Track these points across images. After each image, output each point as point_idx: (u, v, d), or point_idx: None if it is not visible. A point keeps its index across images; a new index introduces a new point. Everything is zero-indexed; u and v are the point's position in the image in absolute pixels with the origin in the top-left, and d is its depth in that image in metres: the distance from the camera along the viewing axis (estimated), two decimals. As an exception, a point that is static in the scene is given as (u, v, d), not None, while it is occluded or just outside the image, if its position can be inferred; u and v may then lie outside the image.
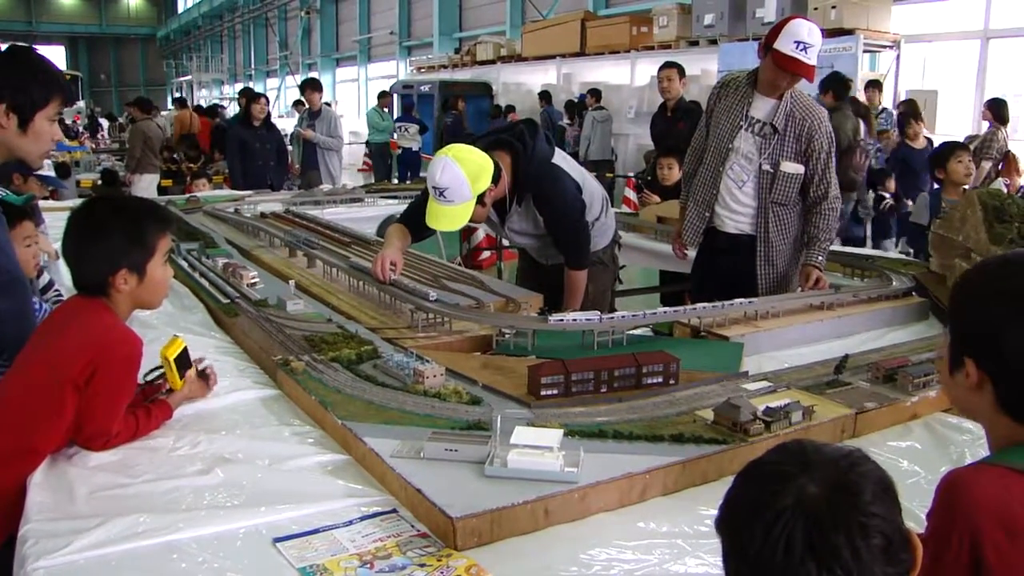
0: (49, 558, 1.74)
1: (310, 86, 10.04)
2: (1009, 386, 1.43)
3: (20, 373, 2.27)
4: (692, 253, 4.47)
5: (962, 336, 1.50)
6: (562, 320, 3.11)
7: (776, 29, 3.85)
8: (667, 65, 7.98)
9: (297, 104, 14.89)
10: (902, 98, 11.22)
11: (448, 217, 3.45)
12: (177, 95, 30.68)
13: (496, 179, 3.48)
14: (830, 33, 11.68)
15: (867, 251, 5.55)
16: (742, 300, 3.45)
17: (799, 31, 3.76)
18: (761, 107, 3.97)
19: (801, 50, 3.74)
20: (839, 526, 1.12)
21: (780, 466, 1.19)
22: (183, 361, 2.52)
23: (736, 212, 4.11)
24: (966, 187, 5.43)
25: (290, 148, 10.74)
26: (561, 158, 3.78)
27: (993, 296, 1.45)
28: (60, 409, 2.19)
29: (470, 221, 3.57)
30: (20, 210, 3.25)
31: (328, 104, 10.86)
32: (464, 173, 3.35)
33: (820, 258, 3.93)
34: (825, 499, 1.13)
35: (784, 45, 3.78)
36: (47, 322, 2.43)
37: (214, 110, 18.72)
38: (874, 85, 11.04)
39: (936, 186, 5.78)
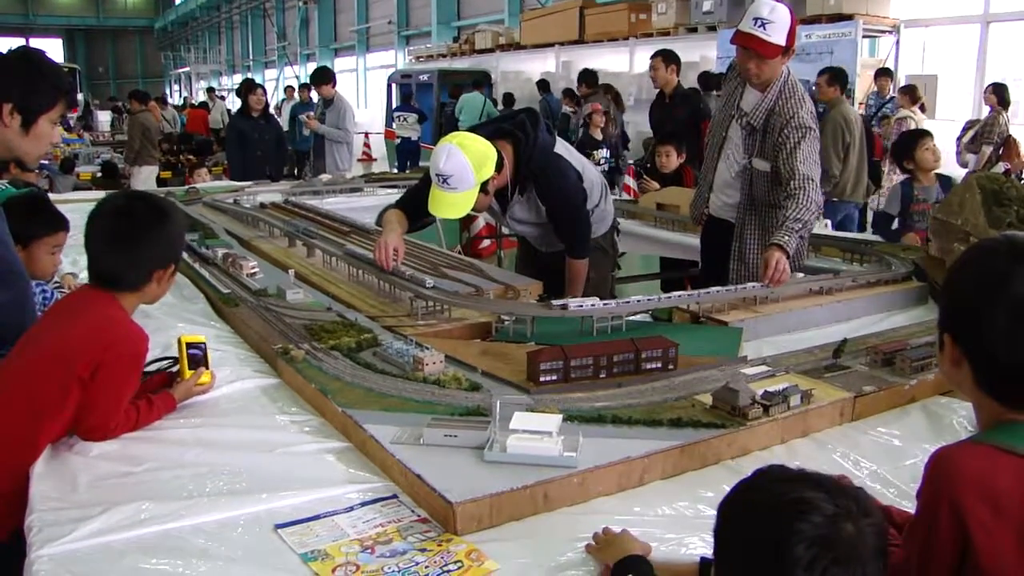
0: (52, 546, 1.76)
1: (318, 78, 9.79)
2: (982, 365, 1.46)
3: (27, 361, 2.28)
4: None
5: (943, 313, 1.55)
6: (563, 306, 3.12)
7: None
8: (654, 54, 7.98)
9: (288, 89, 14.69)
10: (902, 83, 11.19)
11: (451, 204, 3.43)
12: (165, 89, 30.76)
13: (499, 167, 3.48)
14: (829, 19, 11.66)
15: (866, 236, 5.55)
16: (742, 286, 3.46)
17: (760, 9, 3.73)
18: (749, 100, 3.96)
19: (759, 26, 3.70)
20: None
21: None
22: (196, 354, 2.55)
23: (723, 200, 4.17)
24: (937, 172, 5.60)
25: (306, 133, 10.61)
26: (562, 147, 3.77)
27: (971, 277, 1.49)
28: (64, 400, 2.20)
29: (472, 209, 3.56)
30: (60, 221, 3.28)
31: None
32: (468, 160, 3.33)
33: (786, 238, 3.47)
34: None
35: (744, 23, 3.77)
36: (56, 310, 2.44)
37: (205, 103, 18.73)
38: (885, 74, 10.94)
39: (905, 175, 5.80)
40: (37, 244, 3.13)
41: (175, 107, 23.35)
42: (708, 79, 10.12)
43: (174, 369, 2.59)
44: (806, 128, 3.76)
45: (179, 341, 2.56)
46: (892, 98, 10.98)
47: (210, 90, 26.07)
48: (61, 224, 3.28)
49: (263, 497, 1.97)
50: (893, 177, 9.44)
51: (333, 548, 1.77)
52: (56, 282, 3.49)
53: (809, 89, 5.86)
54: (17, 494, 2.09)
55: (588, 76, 12.28)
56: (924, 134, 5.78)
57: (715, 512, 1.91)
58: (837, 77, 8.12)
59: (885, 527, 1.27)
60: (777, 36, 3.71)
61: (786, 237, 3.47)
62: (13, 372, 2.27)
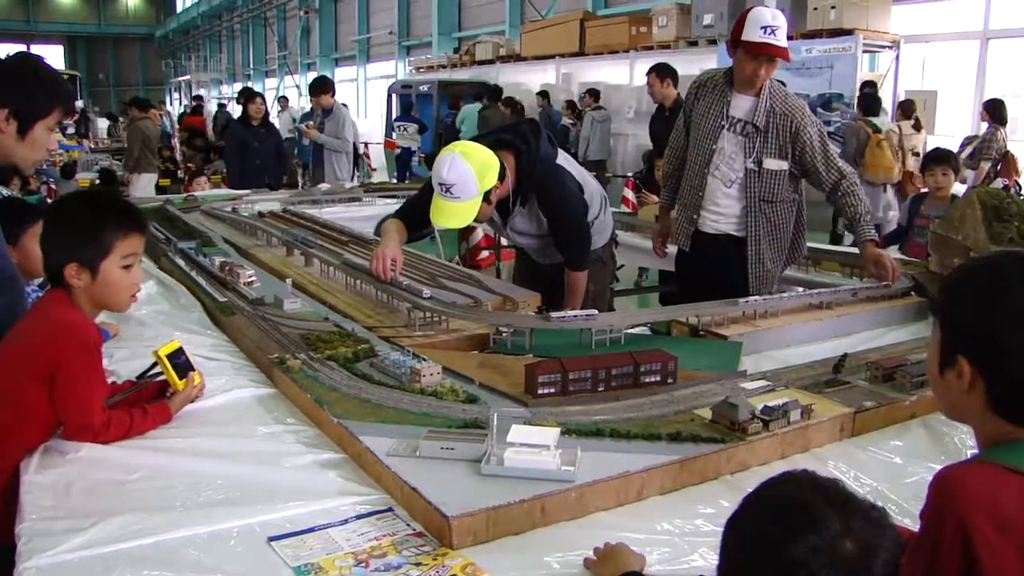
0: (41, 557, 1.73)
1: (317, 87, 9.73)
2: (1004, 387, 1.42)
3: None
4: (672, 250, 4.49)
5: (956, 334, 1.49)
6: (562, 318, 3.10)
7: (739, 23, 3.87)
8: (648, 70, 7.96)
9: (282, 100, 14.72)
10: (901, 99, 11.20)
11: (454, 214, 3.41)
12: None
13: (501, 177, 3.45)
14: (829, 33, 11.69)
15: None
16: (744, 299, 3.45)
17: (762, 17, 3.78)
18: (740, 105, 3.96)
19: (769, 33, 3.76)
20: None
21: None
22: (180, 362, 2.51)
23: (718, 213, 4.09)
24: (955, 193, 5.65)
25: (305, 143, 10.55)
26: (564, 159, 3.76)
27: (991, 295, 1.44)
28: (21, 401, 2.20)
29: (474, 220, 3.54)
30: (37, 209, 3.25)
31: (346, 105, 10.56)
32: (472, 169, 3.31)
33: (871, 231, 3.85)
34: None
35: (752, 34, 3.79)
36: (22, 318, 2.42)
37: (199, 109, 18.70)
38: (868, 87, 10.89)
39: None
40: (26, 238, 3.10)
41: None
42: None
43: (162, 378, 2.55)
44: (820, 123, 3.96)
45: (157, 355, 2.49)
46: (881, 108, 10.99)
47: (197, 98, 26.11)
48: (40, 213, 3.26)
49: (257, 509, 1.94)
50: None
51: (327, 562, 1.75)
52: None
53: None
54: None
55: (492, 91, 12.56)
56: (934, 162, 5.77)
57: (714, 528, 1.91)
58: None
59: (897, 559, 1.25)
60: (784, 39, 3.81)
61: (871, 230, 3.85)
62: None
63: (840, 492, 1.27)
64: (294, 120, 14.08)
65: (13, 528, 1.91)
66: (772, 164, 3.92)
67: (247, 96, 9.83)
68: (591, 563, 1.73)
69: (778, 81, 4.14)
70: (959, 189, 8.61)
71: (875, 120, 9.35)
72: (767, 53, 3.78)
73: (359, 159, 14.35)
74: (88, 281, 2.33)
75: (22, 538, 1.82)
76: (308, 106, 11.79)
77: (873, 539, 1.21)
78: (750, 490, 1.35)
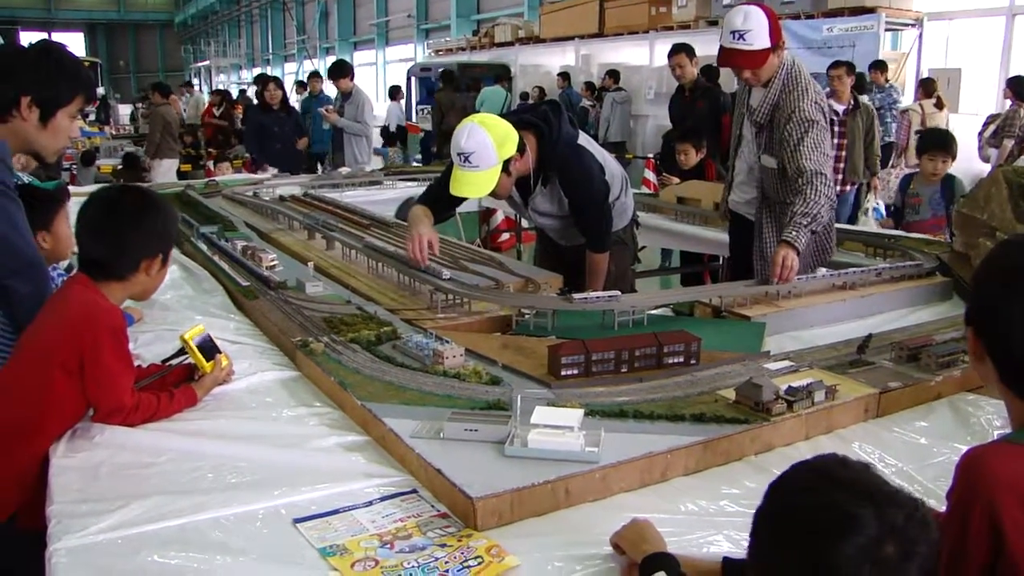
0: (70, 538, 1.75)
1: (335, 71, 9.73)
2: (1003, 361, 1.44)
3: (16, 356, 2.31)
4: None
5: (969, 308, 1.55)
6: (584, 299, 3.10)
7: None
8: (675, 51, 7.79)
9: (301, 85, 14.82)
10: (924, 76, 11.09)
11: (473, 183, 3.38)
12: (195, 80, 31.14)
13: (521, 150, 3.44)
14: (852, 11, 11.58)
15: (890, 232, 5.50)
16: (763, 279, 3.43)
17: (733, 20, 3.65)
18: (756, 95, 3.90)
19: (738, 39, 3.63)
20: None
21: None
22: (206, 345, 2.53)
23: (741, 197, 4.23)
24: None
25: (325, 127, 10.57)
26: (585, 140, 3.74)
27: (993, 272, 1.49)
28: (48, 391, 2.21)
29: (494, 195, 3.53)
30: (58, 193, 3.26)
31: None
32: (490, 137, 3.30)
33: (794, 233, 3.41)
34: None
35: (724, 38, 3.70)
36: (45, 305, 2.44)
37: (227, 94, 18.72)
38: (878, 66, 10.83)
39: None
40: (57, 221, 3.09)
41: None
42: (709, 71, 9.92)
43: (188, 361, 2.57)
44: (810, 121, 3.66)
45: (183, 339, 2.51)
46: (891, 86, 10.87)
47: (187, 84, 26.23)
48: (63, 195, 3.27)
49: (282, 491, 1.96)
50: (892, 172, 9.36)
51: (352, 543, 1.75)
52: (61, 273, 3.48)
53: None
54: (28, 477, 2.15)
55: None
56: (932, 148, 5.72)
57: (739, 508, 1.90)
58: None
59: (937, 547, 1.19)
60: (759, 41, 3.63)
61: (794, 232, 3.42)
62: (9, 366, 2.30)
63: (872, 481, 1.22)
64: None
65: (45, 514, 1.93)
66: (766, 161, 3.88)
67: (262, 82, 9.82)
68: (617, 538, 1.72)
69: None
70: (983, 169, 8.57)
71: None
72: (731, 63, 3.72)
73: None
74: (156, 271, 2.40)
75: (52, 520, 1.84)
76: (329, 93, 11.58)
77: (915, 539, 1.16)
78: (772, 481, 1.28)
